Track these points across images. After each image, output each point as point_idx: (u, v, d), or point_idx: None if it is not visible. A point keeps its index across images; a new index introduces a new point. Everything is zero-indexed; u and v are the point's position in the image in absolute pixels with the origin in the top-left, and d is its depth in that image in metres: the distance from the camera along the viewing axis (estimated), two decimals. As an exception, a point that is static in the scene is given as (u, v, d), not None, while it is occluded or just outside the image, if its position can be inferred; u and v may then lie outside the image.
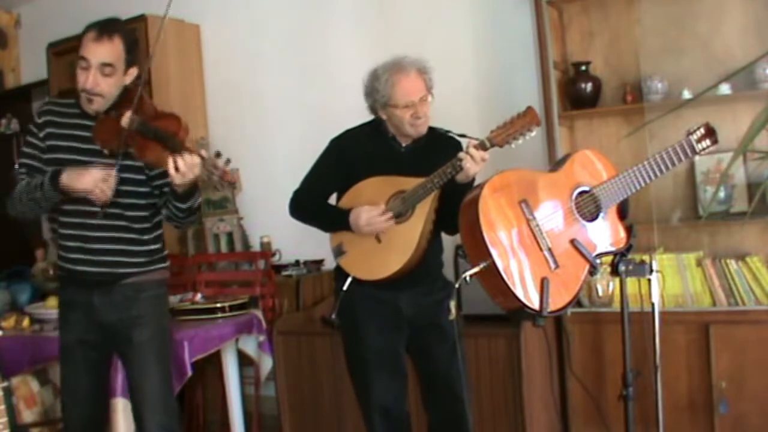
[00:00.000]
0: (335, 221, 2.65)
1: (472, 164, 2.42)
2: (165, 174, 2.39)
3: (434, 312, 2.63)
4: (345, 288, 2.61)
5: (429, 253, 2.63)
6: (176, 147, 2.30)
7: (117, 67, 2.45)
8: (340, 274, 2.69)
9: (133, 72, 2.53)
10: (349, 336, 2.71)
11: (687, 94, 3.29)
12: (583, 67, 3.53)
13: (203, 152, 2.31)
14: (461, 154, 2.43)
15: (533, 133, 2.45)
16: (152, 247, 2.63)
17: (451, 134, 2.68)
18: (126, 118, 2.38)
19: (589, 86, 3.51)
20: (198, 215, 2.59)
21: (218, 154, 2.35)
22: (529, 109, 2.45)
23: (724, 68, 3.18)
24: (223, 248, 4.54)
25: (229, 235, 4.53)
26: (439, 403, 2.68)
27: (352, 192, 2.65)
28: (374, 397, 2.65)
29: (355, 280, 2.62)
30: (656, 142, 3.20)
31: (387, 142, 2.67)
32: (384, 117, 2.64)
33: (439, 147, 2.61)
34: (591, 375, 3.27)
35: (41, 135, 2.54)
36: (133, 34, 2.55)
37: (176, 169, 2.28)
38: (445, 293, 2.64)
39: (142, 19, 4.47)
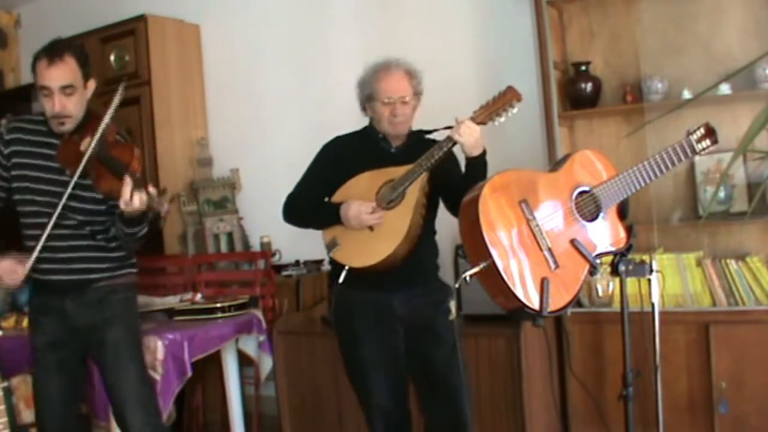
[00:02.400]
0: (328, 216, 2.66)
1: (465, 133, 2.43)
2: None
3: (430, 314, 2.63)
4: (341, 280, 2.61)
5: (423, 251, 2.64)
6: (123, 176, 2.36)
7: (76, 85, 2.51)
8: (334, 268, 2.69)
9: (92, 85, 2.60)
10: (345, 338, 2.72)
11: (687, 94, 3.28)
12: (583, 67, 3.53)
13: (151, 188, 2.38)
14: (451, 131, 2.48)
15: (515, 110, 2.47)
16: (119, 253, 2.68)
17: (436, 131, 2.70)
18: (85, 143, 2.45)
19: (589, 86, 3.50)
20: (143, 242, 2.63)
21: (164, 191, 2.45)
22: (509, 87, 2.49)
23: (724, 68, 3.18)
24: (223, 248, 4.54)
25: (229, 235, 4.53)
26: (437, 407, 2.67)
27: (343, 188, 2.67)
28: (374, 398, 2.65)
29: (349, 279, 2.60)
30: (656, 142, 3.20)
31: (377, 144, 2.71)
32: (370, 113, 2.71)
33: (427, 147, 2.60)
34: (591, 375, 3.26)
35: (6, 152, 2.61)
36: (81, 48, 2.60)
37: (122, 200, 2.35)
38: (442, 295, 2.65)
39: (142, 19, 4.47)
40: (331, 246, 2.67)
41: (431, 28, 4.06)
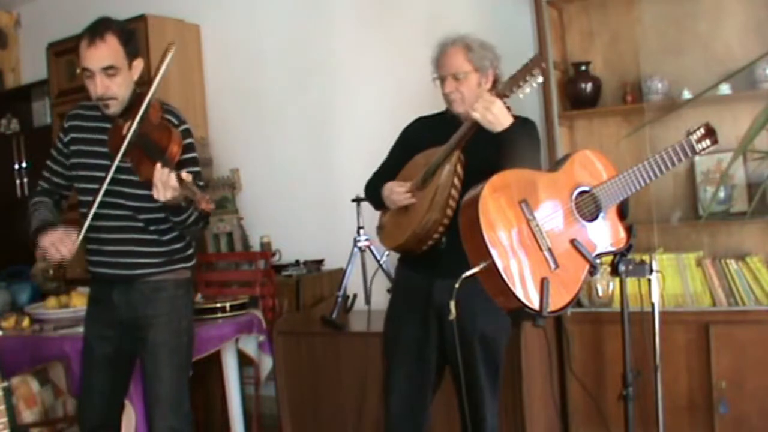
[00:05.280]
0: (379, 197, 2.70)
1: (481, 109, 2.34)
2: None
3: (478, 306, 2.39)
4: (381, 261, 2.68)
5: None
6: (160, 159, 2.29)
7: (119, 66, 2.44)
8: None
9: (139, 65, 2.52)
10: (387, 314, 2.76)
11: (687, 94, 3.29)
12: (583, 67, 3.53)
13: (184, 174, 2.26)
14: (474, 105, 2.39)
15: (540, 79, 2.37)
16: (173, 246, 2.60)
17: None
18: (126, 127, 2.38)
19: (589, 86, 3.51)
20: (201, 226, 2.57)
21: (197, 175, 2.36)
22: (535, 56, 2.41)
23: (724, 68, 3.18)
24: (223, 248, 4.54)
25: (229, 235, 4.53)
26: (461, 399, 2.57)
27: (402, 170, 2.69)
28: (391, 379, 2.66)
29: (400, 263, 2.72)
30: (656, 142, 3.20)
31: (449, 123, 2.59)
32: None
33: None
34: (591, 375, 3.26)
35: (66, 140, 2.59)
36: (125, 26, 2.52)
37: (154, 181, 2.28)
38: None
39: (142, 19, 4.47)
40: (378, 229, 2.75)
41: (431, 28, 4.04)
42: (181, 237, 2.62)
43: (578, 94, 3.52)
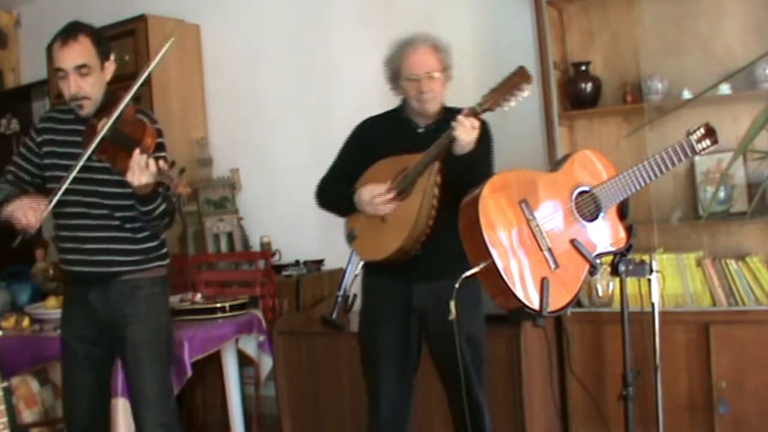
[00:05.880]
0: (347, 202, 2.63)
1: (463, 132, 2.35)
2: None
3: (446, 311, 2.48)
4: (356, 271, 2.64)
5: (447, 242, 2.43)
6: (138, 149, 2.31)
7: (92, 65, 2.48)
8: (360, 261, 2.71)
9: (110, 66, 2.56)
10: (361, 323, 2.76)
11: (687, 94, 3.28)
12: (583, 67, 3.53)
13: (161, 162, 2.31)
14: (452, 123, 2.37)
15: (525, 93, 2.35)
16: (148, 245, 2.63)
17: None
18: (101, 124, 2.41)
19: (589, 86, 3.50)
20: (166, 222, 2.58)
21: (172, 164, 2.35)
22: (520, 68, 2.36)
23: (724, 68, 3.18)
24: (223, 248, 4.54)
25: (229, 235, 4.53)
26: (451, 392, 2.66)
27: (364, 175, 2.64)
28: (375, 387, 2.68)
29: (369, 269, 2.65)
30: (656, 142, 3.20)
31: (404, 124, 2.63)
32: (399, 92, 2.64)
33: None
34: (591, 375, 3.26)
35: (38, 140, 2.61)
36: (96, 29, 2.57)
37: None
38: (463, 291, 2.46)
39: (142, 19, 4.47)
40: (349, 236, 2.66)
41: (431, 29, 4.03)
42: (154, 236, 2.65)
43: (578, 94, 3.52)
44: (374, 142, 2.66)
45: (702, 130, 2.36)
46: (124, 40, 4.51)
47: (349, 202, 2.61)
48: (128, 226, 2.57)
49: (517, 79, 2.34)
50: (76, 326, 2.61)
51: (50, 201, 2.44)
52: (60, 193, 2.43)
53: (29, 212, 2.41)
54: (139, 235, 2.60)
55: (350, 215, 2.66)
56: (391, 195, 2.52)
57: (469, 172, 2.40)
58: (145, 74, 2.45)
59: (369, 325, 2.72)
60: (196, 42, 4.80)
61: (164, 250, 2.71)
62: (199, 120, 4.77)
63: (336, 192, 2.70)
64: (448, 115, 2.55)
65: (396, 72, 2.59)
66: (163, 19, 4.60)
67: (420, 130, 2.63)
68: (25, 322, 3.52)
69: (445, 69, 2.59)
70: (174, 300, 3.72)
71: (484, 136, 2.50)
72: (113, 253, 2.57)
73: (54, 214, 2.58)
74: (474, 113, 2.38)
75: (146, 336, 2.59)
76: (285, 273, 4.25)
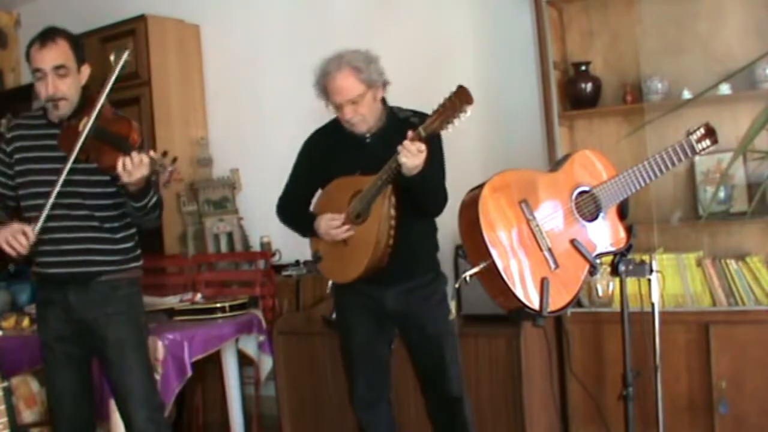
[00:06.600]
0: (307, 227, 2.71)
1: (409, 157, 2.33)
2: None
3: (421, 309, 2.65)
4: (327, 291, 2.75)
5: (414, 244, 2.61)
6: (124, 147, 2.35)
7: (69, 67, 2.52)
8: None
9: (86, 70, 2.60)
10: (339, 330, 2.82)
11: (687, 94, 3.28)
12: (583, 67, 3.53)
13: (152, 152, 2.35)
14: (399, 148, 2.35)
15: (468, 114, 2.29)
16: (125, 245, 2.66)
17: (413, 118, 2.57)
18: (82, 123, 2.43)
19: (589, 86, 3.50)
20: (158, 214, 2.61)
21: (164, 153, 2.41)
22: (460, 88, 2.29)
23: (724, 68, 3.17)
24: (223, 248, 4.54)
25: (229, 235, 4.53)
26: (431, 391, 2.74)
27: (321, 195, 2.71)
28: (356, 389, 2.75)
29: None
30: (656, 142, 3.20)
31: (351, 134, 2.63)
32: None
33: (403, 132, 2.41)
34: (591, 375, 3.26)
35: (8, 149, 2.63)
36: (73, 34, 2.61)
37: (123, 167, 2.33)
38: (434, 289, 2.68)
39: (142, 19, 4.47)
40: (314, 257, 2.73)
41: (431, 29, 4.06)
42: (130, 236, 2.68)
43: (578, 94, 3.52)
44: (324, 155, 2.70)
45: (702, 130, 2.36)
46: (124, 40, 4.51)
47: (309, 227, 2.68)
48: (107, 226, 2.61)
49: (458, 101, 2.29)
50: (54, 326, 2.63)
51: (38, 223, 2.44)
52: (47, 209, 2.43)
53: (14, 243, 2.42)
54: (118, 236, 2.63)
55: (313, 237, 2.72)
56: (347, 226, 2.57)
57: (419, 187, 2.44)
58: (112, 80, 2.46)
59: (344, 329, 2.79)
60: (196, 42, 4.79)
61: (139, 251, 2.74)
62: (199, 120, 4.77)
63: (295, 215, 2.78)
64: (392, 118, 2.61)
65: (324, 97, 2.62)
66: (163, 19, 4.60)
67: (367, 140, 2.64)
68: (25, 322, 3.52)
69: (369, 87, 2.55)
70: (174, 300, 3.72)
71: (434, 150, 2.46)
72: (93, 253, 2.59)
73: (30, 219, 2.56)
74: (419, 137, 2.34)
75: (129, 334, 2.63)
76: (285, 273, 4.24)
